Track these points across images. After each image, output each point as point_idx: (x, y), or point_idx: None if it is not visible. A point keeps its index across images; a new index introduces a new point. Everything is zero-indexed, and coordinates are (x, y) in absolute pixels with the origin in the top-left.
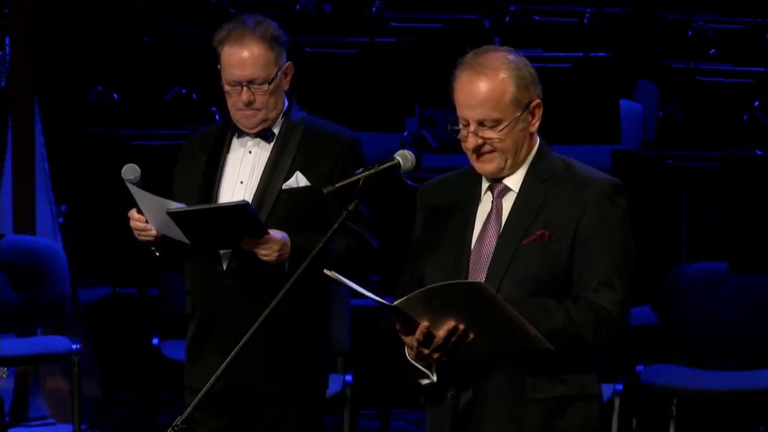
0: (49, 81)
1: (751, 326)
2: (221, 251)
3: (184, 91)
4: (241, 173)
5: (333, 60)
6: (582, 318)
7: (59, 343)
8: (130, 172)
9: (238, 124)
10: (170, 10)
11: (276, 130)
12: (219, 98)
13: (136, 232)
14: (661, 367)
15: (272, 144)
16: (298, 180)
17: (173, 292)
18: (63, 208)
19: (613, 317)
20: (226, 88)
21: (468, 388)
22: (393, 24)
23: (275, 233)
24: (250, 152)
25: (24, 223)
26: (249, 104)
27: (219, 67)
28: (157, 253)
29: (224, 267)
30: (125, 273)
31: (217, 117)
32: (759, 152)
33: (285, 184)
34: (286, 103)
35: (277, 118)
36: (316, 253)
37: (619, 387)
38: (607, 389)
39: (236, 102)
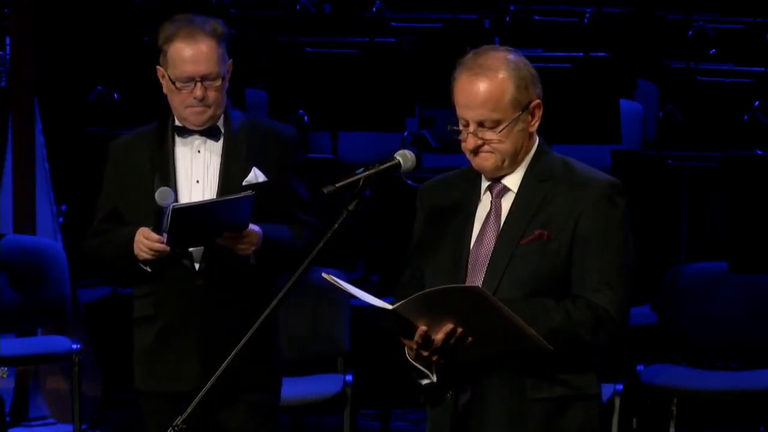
0: (49, 81)
1: (751, 326)
2: (192, 251)
3: None
4: (195, 172)
5: (333, 60)
6: (581, 318)
7: (59, 343)
8: (165, 196)
9: (185, 122)
10: (170, 10)
11: (221, 128)
12: None
13: (147, 252)
14: (661, 367)
15: (220, 142)
16: (257, 175)
17: None
18: (63, 208)
19: (612, 317)
20: (178, 85)
21: (467, 388)
22: (393, 24)
23: (252, 227)
24: (198, 151)
25: (24, 223)
26: (201, 100)
27: (160, 65)
28: (149, 269)
29: (196, 267)
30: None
31: None
32: (759, 152)
33: (245, 180)
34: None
35: (221, 115)
36: (280, 249)
37: (619, 387)
38: (607, 389)
39: (186, 98)
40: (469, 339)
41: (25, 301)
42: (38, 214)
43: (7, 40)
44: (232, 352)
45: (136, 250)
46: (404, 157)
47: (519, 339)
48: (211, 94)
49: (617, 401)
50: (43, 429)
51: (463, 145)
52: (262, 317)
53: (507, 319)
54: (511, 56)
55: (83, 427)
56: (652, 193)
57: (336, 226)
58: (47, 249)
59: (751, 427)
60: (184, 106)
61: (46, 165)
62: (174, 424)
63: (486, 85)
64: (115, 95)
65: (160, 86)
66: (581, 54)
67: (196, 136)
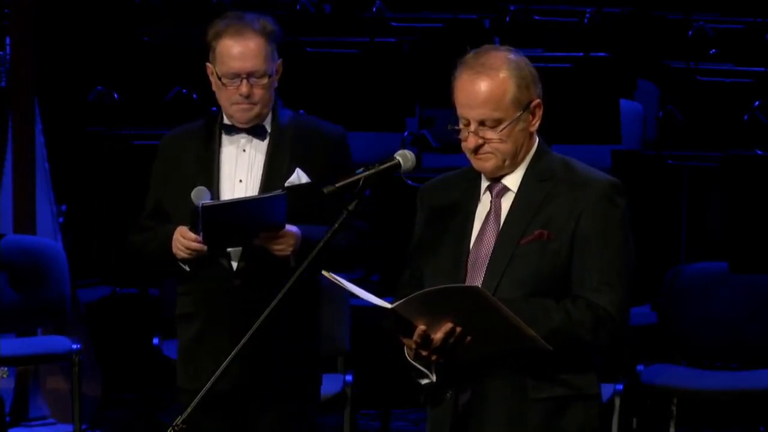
0: (49, 81)
1: (751, 326)
2: (230, 250)
3: (184, 91)
4: (239, 172)
5: (333, 60)
6: (581, 318)
7: (59, 343)
8: (200, 194)
9: (231, 119)
10: (170, 10)
11: (268, 127)
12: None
13: (184, 251)
14: (661, 367)
15: (266, 142)
16: (300, 176)
17: (174, 292)
18: (63, 208)
19: (612, 317)
20: (224, 81)
21: (467, 388)
22: (393, 24)
23: (290, 228)
24: (244, 150)
25: (24, 223)
26: (247, 97)
27: (209, 62)
28: (188, 268)
29: (234, 267)
30: (125, 273)
31: None
32: (759, 152)
33: (287, 181)
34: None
35: (268, 114)
36: (325, 250)
37: (619, 387)
38: (607, 389)
39: (232, 95)
40: (468, 338)
41: (25, 301)
42: (38, 214)
43: (7, 40)
44: (233, 352)
45: (174, 249)
46: (404, 157)
47: (518, 339)
48: (258, 92)
49: (617, 401)
50: (43, 429)
51: (463, 144)
52: (263, 317)
53: (506, 318)
54: (512, 56)
55: (83, 427)
56: (652, 193)
57: (336, 226)
58: (47, 249)
59: (751, 427)
60: (231, 102)
61: (46, 165)
62: (174, 423)
63: (487, 85)
64: (115, 95)
65: (161, 86)
66: (581, 54)
67: (243, 135)
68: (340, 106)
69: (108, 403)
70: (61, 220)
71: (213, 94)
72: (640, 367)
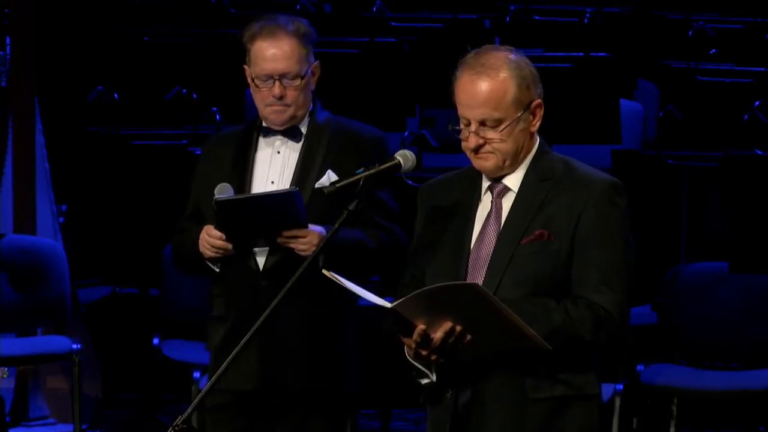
0: (49, 81)
1: (751, 326)
2: (257, 251)
3: (184, 91)
4: (272, 173)
5: (333, 60)
6: (581, 318)
7: (59, 342)
8: (223, 191)
9: (266, 121)
10: (170, 10)
11: (303, 129)
12: (219, 98)
13: (210, 249)
14: (661, 367)
15: (300, 143)
16: (331, 178)
17: (173, 292)
18: (63, 207)
19: (612, 317)
20: (257, 83)
21: (467, 388)
22: (393, 24)
23: (314, 227)
24: (278, 152)
25: (24, 223)
26: (280, 98)
27: (246, 64)
28: (217, 269)
29: (261, 268)
30: (125, 273)
31: (217, 117)
32: (759, 152)
33: (317, 183)
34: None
35: (304, 116)
36: (348, 250)
37: (619, 387)
38: (607, 389)
39: (266, 97)
40: (468, 337)
41: (25, 301)
42: (38, 214)
43: (7, 40)
44: (234, 351)
45: (201, 248)
46: (404, 157)
47: (518, 338)
48: (291, 94)
49: (617, 401)
50: (43, 429)
51: (463, 144)
52: (264, 315)
53: (506, 317)
54: (513, 56)
55: (83, 427)
56: (652, 193)
57: (336, 226)
58: (47, 249)
59: (751, 427)
60: (265, 104)
61: (46, 165)
62: (174, 424)
63: (488, 85)
64: (115, 95)
65: (161, 86)
66: (581, 54)
67: (278, 137)
68: (339, 106)
69: (108, 403)
70: (61, 220)
71: (213, 94)
72: (640, 367)
